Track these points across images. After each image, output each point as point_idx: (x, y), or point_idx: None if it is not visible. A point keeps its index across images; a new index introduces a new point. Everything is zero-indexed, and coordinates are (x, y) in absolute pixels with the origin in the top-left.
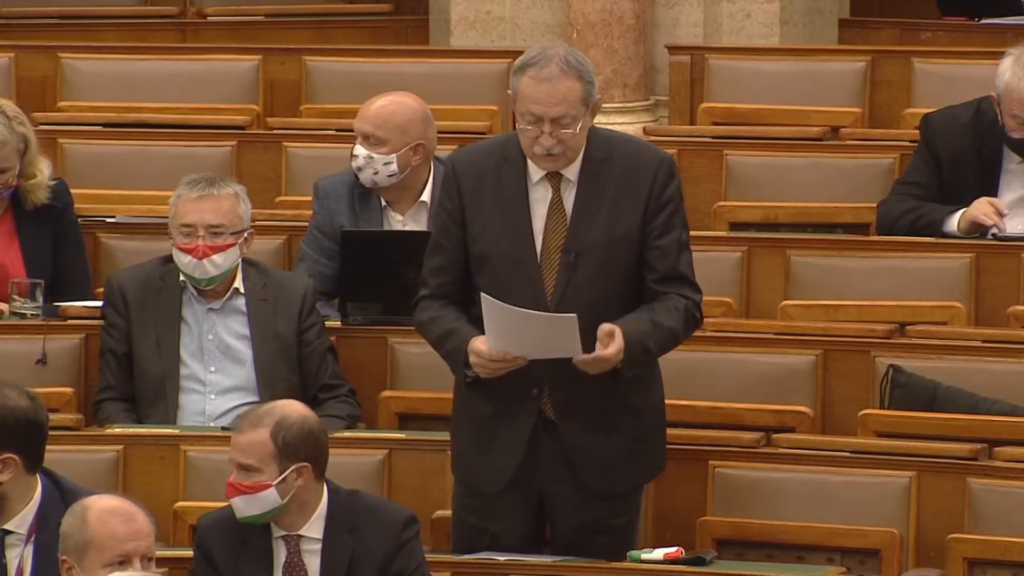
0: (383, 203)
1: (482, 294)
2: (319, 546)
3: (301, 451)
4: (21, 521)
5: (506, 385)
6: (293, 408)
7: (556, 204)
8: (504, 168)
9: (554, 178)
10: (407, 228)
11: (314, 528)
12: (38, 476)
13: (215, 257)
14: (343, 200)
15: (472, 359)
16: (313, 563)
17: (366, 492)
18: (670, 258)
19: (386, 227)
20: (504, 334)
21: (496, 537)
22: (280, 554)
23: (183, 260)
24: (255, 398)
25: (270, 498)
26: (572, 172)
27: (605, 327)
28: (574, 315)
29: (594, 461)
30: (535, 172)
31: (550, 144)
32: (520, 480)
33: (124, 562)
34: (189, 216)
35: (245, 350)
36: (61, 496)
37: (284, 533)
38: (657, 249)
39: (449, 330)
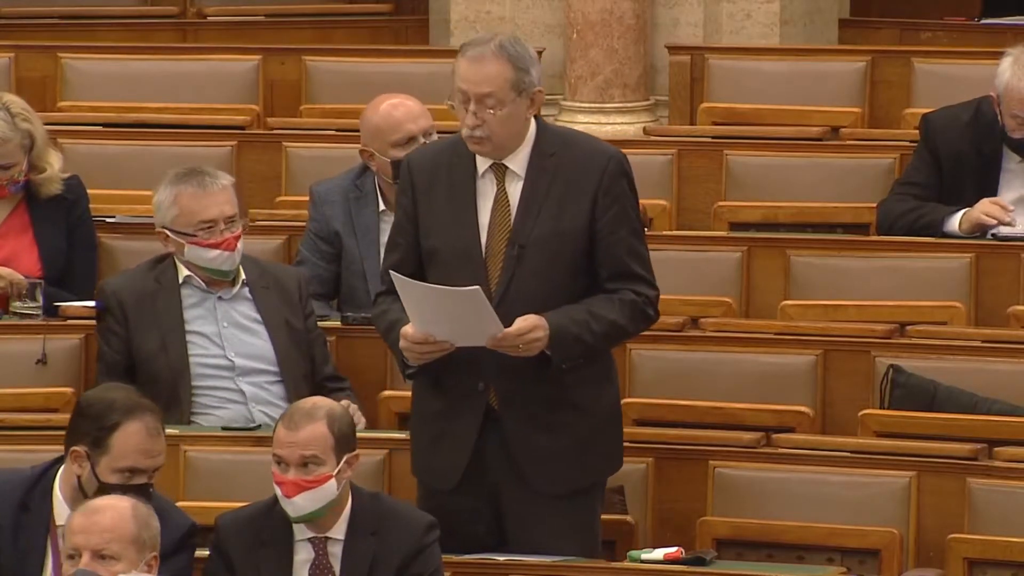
0: (381, 207)
1: (391, 272)
2: (340, 547)
3: (351, 441)
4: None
5: (453, 380)
6: (329, 401)
7: (501, 197)
8: (455, 163)
9: (499, 171)
10: None
11: (339, 529)
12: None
13: (239, 246)
14: (338, 205)
15: (401, 343)
16: (337, 564)
17: (387, 495)
18: (619, 256)
19: (383, 230)
20: (421, 314)
21: (456, 537)
22: (303, 554)
23: (209, 255)
24: (279, 378)
25: (330, 490)
26: (519, 165)
27: (524, 316)
28: (477, 287)
29: (538, 459)
30: (482, 164)
31: (473, 124)
32: (471, 478)
33: (73, 555)
34: (208, 211)
35: (261, 330)
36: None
37: (312, 535)
38: (606, 247)
39: (393, 321)
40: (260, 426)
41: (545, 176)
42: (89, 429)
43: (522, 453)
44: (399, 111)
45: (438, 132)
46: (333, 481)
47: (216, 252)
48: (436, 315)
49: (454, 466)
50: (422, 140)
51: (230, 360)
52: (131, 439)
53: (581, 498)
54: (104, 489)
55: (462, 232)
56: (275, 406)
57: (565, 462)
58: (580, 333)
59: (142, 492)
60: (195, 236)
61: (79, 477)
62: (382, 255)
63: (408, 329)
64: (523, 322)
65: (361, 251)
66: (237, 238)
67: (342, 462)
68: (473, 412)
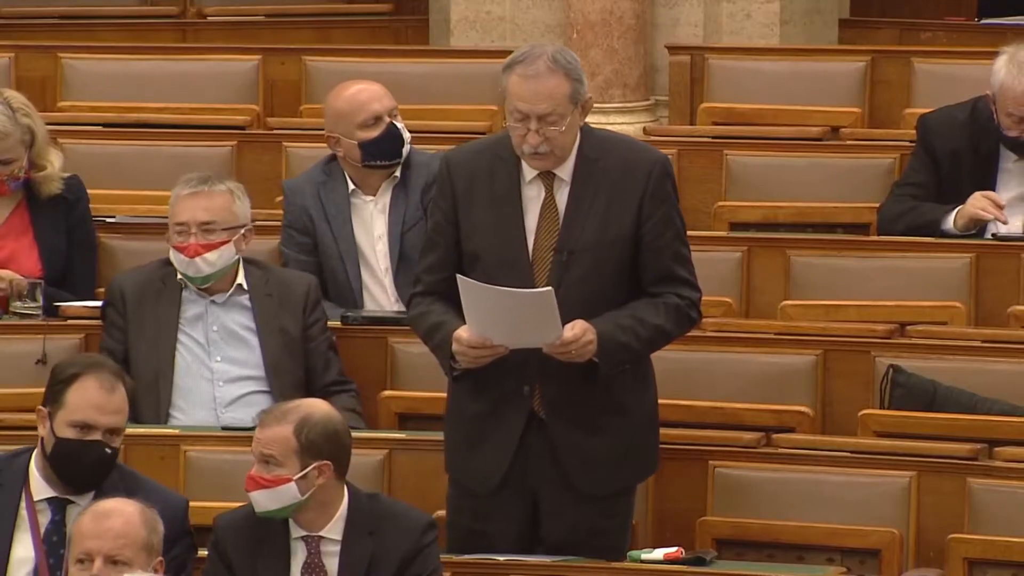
0: (351, 187)
1: (457, 275)
2: (338, 547)
3: (324, 450)
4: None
5: (497, 383)
6: (318, 407)
7: (548, 203)
8: (497, 167)
9: (547, 177)
10: (379, 210)
11: (334, 529)
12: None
13: (208, 255)
14: (308, 194)
15: (454, 347)
16: (332, 564)
17: (386, 495)
18: (664, 259)
19: (354, 212)
20: (482, 317)
21: (489, 539)
22: (299, 554)
23: (178, 259)
24: (265, 387)
25: (289, 493)
26: (565, 171)
27: (572, 322)
28: (550, 289)
29: (584, 461)
30: (528, 171)
31: (537, 142)
32: (511, 480)
33: (84, 560)
34: (182, 214)
35: (252, 338)
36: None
37: (304, 533)
38: (651, 250)
39: (437, 323)
40: None
41: (591, 182)
42: (51, 387)
43: (569, 456)
44: (363, 94)
45: (437, 132)
46: (293, 485)
47: (181, 256)
48: (498, 318)
49: (495, 468)
50: (387, 119)
51: (212, 365)
52: (86, 393)
53: (623, 498)
54: (59, 446)
55: (508, 238)
56: (250, 414)
57: (612, 464)
58: (627, 340)
59: (97, 452)
60: (172, 238)
61: (43, 439)
62: (356, 236)
63: (463, 333)
64: (575, 328)
65: (334, 231)
66: (206, 247)
67: (309, 468)
68: (517, 415)
